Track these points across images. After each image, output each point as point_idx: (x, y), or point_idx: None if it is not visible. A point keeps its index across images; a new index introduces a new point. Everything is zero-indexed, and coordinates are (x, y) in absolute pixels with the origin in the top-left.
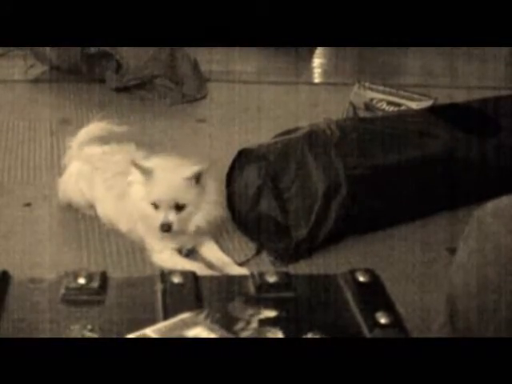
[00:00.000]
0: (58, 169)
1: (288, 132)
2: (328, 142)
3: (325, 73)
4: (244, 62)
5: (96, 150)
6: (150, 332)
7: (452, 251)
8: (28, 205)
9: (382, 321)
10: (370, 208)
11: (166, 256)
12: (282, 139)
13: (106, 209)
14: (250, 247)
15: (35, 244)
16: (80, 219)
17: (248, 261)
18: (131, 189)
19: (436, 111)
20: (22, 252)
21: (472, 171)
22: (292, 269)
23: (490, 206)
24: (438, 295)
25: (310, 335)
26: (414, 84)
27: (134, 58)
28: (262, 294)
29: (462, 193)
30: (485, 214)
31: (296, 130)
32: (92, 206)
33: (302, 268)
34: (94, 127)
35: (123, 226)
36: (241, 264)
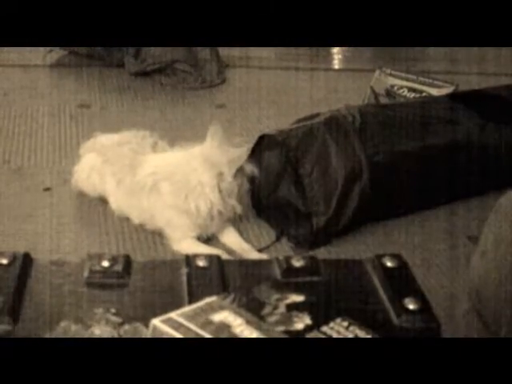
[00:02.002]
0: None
1: (309, 118)
2: (349, 128)
3: (345, 59)
4: (263, 47)
5: (110, 139)
6: (176, 316)
7: (472, 239)
8: (48, 189)
9: (410, 307)
10: (390, 195)
11: (186, 244)
12: (303, 125)
13: (118, 203)
14: (270, 234)
15: (55, 228)
16: (100, 204)
17: (268, 247)
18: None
19: (457, 98)
20: (42, 236)
21: (494, 159)
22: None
23: (505, 201)
24: (459, 283)
25: (338, 320)
26: (436, 71)
27: None
28: (289, 279)
29: (481, 180)
30: (509, 202)
31: (317, 115)
32: (104, 199)
33: (322, 254)
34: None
35: (136, 219)
36: (260, 250)
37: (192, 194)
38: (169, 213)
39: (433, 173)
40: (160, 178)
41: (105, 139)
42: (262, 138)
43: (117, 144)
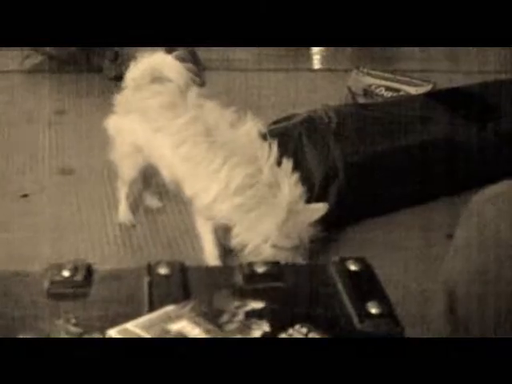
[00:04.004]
0: (55, 160)
1: (285, 119)
2: (326, 128)
3: (323, 59)
4: (241, 48)
5: (156, 94)
6: (132, 326)
7: (450, 237)
8: (25, 196)
9: (373, 311)
10: (368, 194)
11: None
12: (279, 126)
13: (175, 171)
14: None
15: (32, 236)
16: (76, 212)
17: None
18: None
19: (435, 96)
20: (18, 244)
21: (471, 157)
22: None
23: (488, 191)
24: (436, 282)
25: (297, 327)
26: (413, 69)
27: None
28: (251, 285)
29: (461, 179)
30: (483, 200)
31: (293, 116)
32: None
33: None
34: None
35: (189, 191)
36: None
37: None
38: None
39: (410, 172)
40: (236, 162)
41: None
42: None
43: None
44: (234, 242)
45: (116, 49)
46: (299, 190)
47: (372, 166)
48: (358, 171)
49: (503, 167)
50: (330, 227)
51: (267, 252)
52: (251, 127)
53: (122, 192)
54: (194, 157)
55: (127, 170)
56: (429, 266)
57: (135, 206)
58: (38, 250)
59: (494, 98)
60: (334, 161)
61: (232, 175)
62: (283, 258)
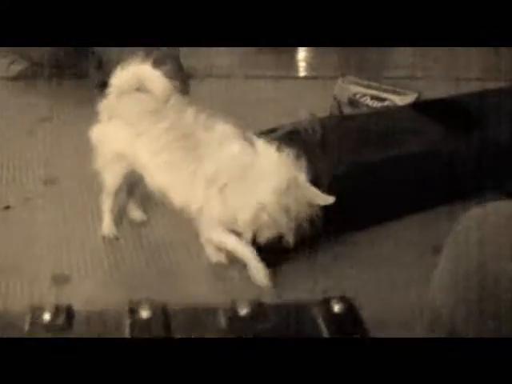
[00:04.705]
0: (39, 169)
1: (270, 131)
2: (310, 140)
3: (309, 66)
4: (226, 55)
5: (139, 101)
6: None
7: (437, 251)
8: (7, 208)
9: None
10: (353, 207)
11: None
12: (265, 138)
13: (156, 179)
14: None
15: (14, 248)
16: (61, 223)
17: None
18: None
19: (420, 107)
20: (3, 256)
21: (457, 167)
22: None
23: (474, 213)
24: (424, 296)
25: None
26: (399, 76)
27: (115, 53)
28: (234, 327)
29: (447, 190)
30: (468, 224)
31: (278, 128)
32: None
33: (285, 270)
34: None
35: (177, 199)
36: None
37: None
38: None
39: (397, 184)
40: (228, 179)
41: (130, 102)
42: None
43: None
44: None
45: (101, 55)
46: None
47: (357, 178)
48: (343, 183)
49: (489, 177)
50: (316, 238)
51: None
52: (225, 129)
53: (106, 204)
54: (174, 163)
55: (111, 178)
56: (415, 279)
57: (119, 218)
58: (19, 262)
59: (479, 108)
60: (318, 173)
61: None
62: (276, 233)
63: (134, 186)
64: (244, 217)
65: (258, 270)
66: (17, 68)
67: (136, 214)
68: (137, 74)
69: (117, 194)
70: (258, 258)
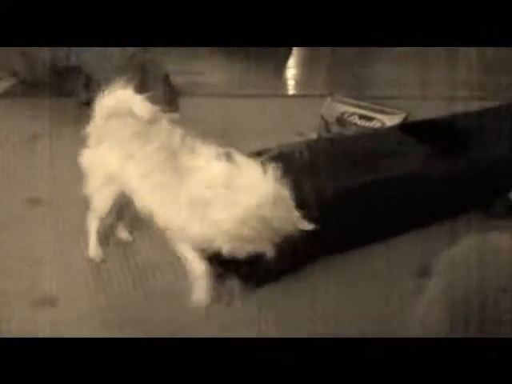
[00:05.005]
0: (24, 189)
1: (257, 154)
2: (297, 164)
3: (297, 84)
4: (215, 74)
5: (126, 124)
6: None
7: (421, 273)
8: None
9: None
10: (340, 230)
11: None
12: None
13: (144, 200)
14: None
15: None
16: (46, 244)
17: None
18: None
19: (406, 129)
20: None
21: (443, 188)
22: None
23: (451, 253)
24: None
25: None
26: (385, 96)
27: (103, 71)
28: None
29: (433, 211)
30: (453, 260)
31: (266, 151)
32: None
33: (272, 289)
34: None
35: (160, 220)
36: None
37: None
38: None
39: (382, 206)
40: (211, 199)
41: (117, 125)
42: None
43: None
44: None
45: (89, 73)
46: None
47: (344, 201)
48: (330, 207)
49: (475, 198)
50: (303, 262)
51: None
52: (209, 151)
53: (93, 226)
54: (162, 184)
55: (101, 201)
56: (400, 301)
57: (105, 239)
58: (3, 283)
59: (465, 129)
60: (306, 197)
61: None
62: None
63: (123, 207)
64: (225, 229)
65: (201, 287)
66: (4, 85)
67: (123, 234)
68: (120, 99)
69: (105, 217)
70: (207, 277)
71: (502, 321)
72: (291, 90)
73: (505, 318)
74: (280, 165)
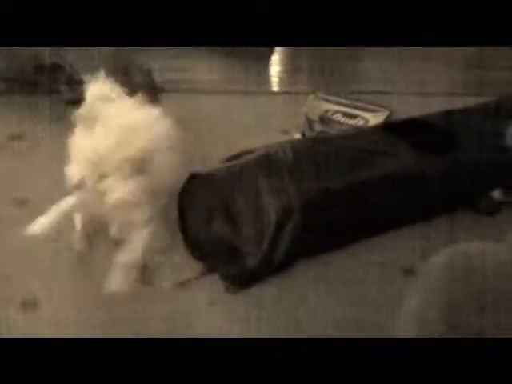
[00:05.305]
0: (9, 190)
1: (241, 154)
2: (281, 165)
3: (280, 81)
4: (198, 70)
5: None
6: None
7: (406, 271)
8: None
9: None
10: (324, 231)
11: None
12: (235, 163)
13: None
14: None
15: None
16: (32, 246)
17: (189, 281)
18: None
19: (391, 128)
20: None
21: (428, 189)
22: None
23: (434, 261)
24: (392, 317)
25: None
26: (370, 91)
27: (87, 69)
28: None
29: (419, 212)
30: (433, 268)
31: (249, 152)
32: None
33: (255, 292)
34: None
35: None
36: (181, 283)
37: None
38: None
39: (368, 207)
40: None
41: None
42: (192, 176)
43: None
44: None
45: (71, 71)
46: None
47: (328, 202)
48: (314, 208)
49: (459, 197)
50: (286, 263)
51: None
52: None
53: (78, 218)
54: None
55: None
56: (385, 302)
57: (93, 234)
58: None
59: (449, 128)
60: (289, 199)
61: None
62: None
63: None
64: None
65: (118, 275)
66: None
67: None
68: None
69: None
70: (128, 266)
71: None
72: (275, 87)
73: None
74: (265, 164)
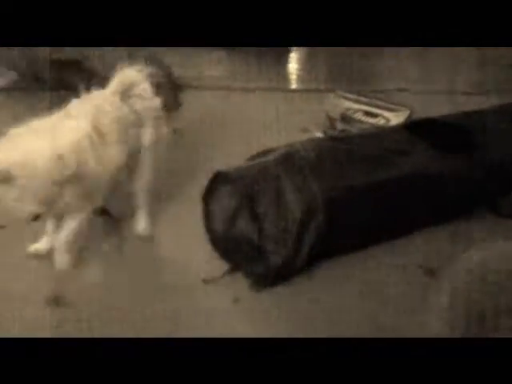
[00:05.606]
0: None
1: (263, 153)
2: (304, 164)
3: (299, 78)
4: (216, 67)
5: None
6: None
7: (427, 271)
8: None
9: None
10: (347, 230)
11: None
12: (259, 162)
13: None
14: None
15: None
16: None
17: (215, 280)
18: None
19: (411, 127)
20: None
21: (447, 188)
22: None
23: (462, 265)
24: (413, 317)
25: None
26: (387, 89)
27: (107, 66)
28: None
29: (439, 212)
30: (457, 274)
31: (272, 150)
32: None
33: (280, 292)
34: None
35: None
36: (205, 281)
37: None
38: None
39: (389, 206)
40: None
41: None
42: (217, 175)
43: None
44: None
45: (90, 68)
46: None
47: (350, 201)
48: (337, 207)
49: (479, 197)
50: (310, 262)
51: None
52: None
53: (50, 223)
54: None
55: None
56: (406, 301)
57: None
58: None
59: (469, 128)
60: (312, 198)
61: None
62: None
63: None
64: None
65: (62, 255)
66: (4, 79)
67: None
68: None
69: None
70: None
71: None
72: (293, 85)
73: None
74: (288, 164)
